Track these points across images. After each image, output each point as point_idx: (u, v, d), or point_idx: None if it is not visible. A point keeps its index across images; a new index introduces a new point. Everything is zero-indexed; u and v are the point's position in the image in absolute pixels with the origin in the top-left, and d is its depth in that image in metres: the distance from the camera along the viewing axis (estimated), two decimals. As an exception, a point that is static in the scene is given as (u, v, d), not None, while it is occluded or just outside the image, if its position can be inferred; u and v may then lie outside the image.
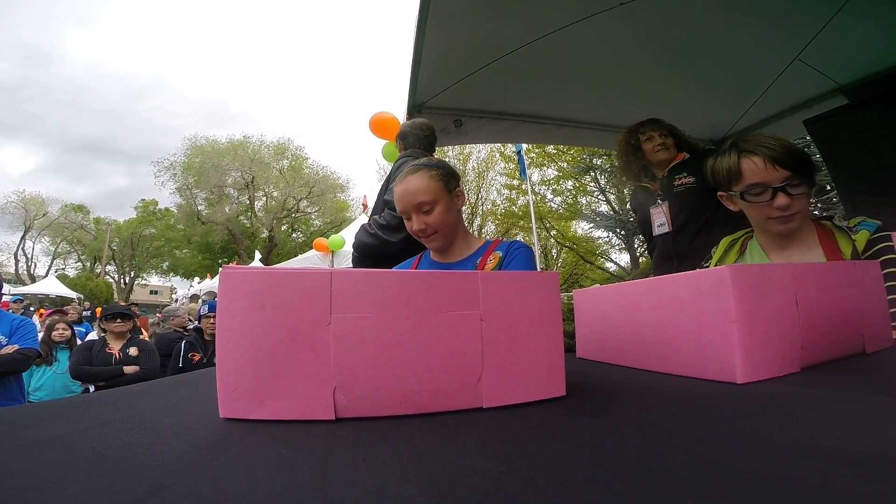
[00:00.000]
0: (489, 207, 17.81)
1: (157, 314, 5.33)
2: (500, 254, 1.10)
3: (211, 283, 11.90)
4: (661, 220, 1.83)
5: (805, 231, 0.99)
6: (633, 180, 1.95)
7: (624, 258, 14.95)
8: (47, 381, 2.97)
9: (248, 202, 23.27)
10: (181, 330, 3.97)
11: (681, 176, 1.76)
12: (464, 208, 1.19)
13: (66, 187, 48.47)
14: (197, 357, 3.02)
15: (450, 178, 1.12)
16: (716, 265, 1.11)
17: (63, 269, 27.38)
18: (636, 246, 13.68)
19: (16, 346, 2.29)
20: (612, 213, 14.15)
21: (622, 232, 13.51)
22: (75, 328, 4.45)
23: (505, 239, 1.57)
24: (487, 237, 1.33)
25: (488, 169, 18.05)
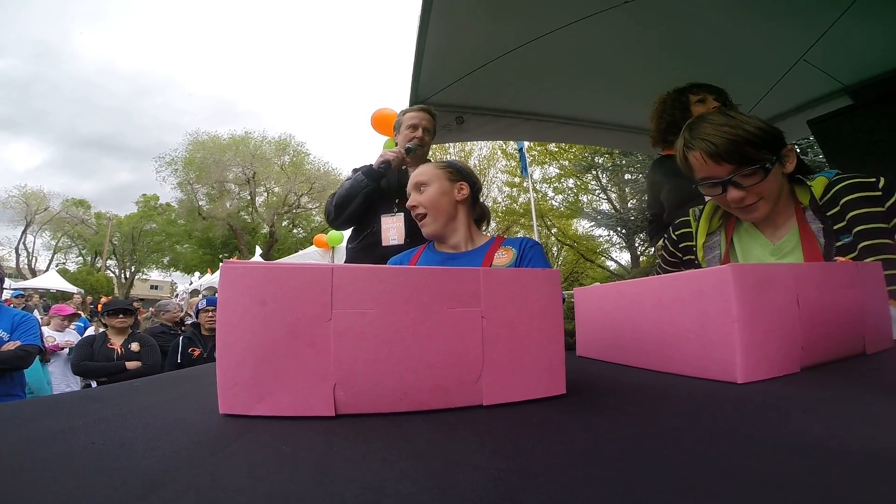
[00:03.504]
0: (490, 205, 17.81)
1: (150, 309, 5.31)
2: (513, 249, 1.11)
3: (211, 279, 11.90)
4: None
5: (786, 206, 0.90)
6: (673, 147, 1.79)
7: (624, 257, 14.96)
8: (34, 384, 2.94)
9: (249, 198, 23.24)
10: (169, 325, 3.93)
11: None
12: None
13: (72, 183, 48.51)
14: (197, 352, 3.02)
15: (455, 171, 1.19)
16: (704, 228, 1.02)
17: (64, 263, 27.45)
18: (636, 245, 13.66)
19: (18, 343, 2.28)
20: (612, 211, 14.13)
21: (623, 230, 13.49)
22: (74, 323, 4.45)
23: (506, 236, 1.57)
24: (492, 233, 1.35)
25: (490, 166, 18.06)
